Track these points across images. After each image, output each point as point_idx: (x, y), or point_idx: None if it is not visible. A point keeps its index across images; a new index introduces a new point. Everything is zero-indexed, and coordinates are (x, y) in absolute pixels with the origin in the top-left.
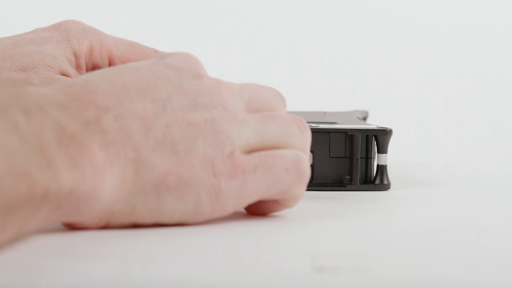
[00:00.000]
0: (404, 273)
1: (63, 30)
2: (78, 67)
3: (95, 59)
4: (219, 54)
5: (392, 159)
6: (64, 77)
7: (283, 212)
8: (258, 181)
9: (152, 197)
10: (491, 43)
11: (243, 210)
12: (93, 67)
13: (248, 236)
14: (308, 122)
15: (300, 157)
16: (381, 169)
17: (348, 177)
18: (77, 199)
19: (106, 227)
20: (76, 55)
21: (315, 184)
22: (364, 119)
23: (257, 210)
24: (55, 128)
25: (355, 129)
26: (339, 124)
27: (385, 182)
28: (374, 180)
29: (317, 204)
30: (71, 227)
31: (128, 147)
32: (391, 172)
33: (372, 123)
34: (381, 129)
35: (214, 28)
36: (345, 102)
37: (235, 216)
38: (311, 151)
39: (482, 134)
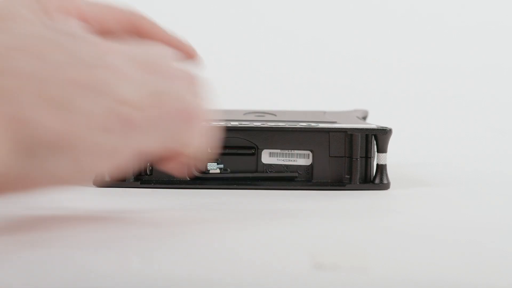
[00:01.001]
0: (403, 273)
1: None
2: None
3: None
4: (218, 53)
5: (392, 158)
6: None
7: (283, 212)
8: (150, 135)
9: (40, 158)
10: (491, 43)
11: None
12: None
13: (248, 235)
14: (308, 122)
15: (188, 102)
16: (381, 168)
17: (348, 176)
18: None
19: (2, 190)
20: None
21: (315, 183)
22: (364, 118)
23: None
24: None
25: (355, 129)
26: (338, 123)
27: (385, 182)
28: (373, 180)
29: (317, 203)
30: None
31: (5, 105)
32: (390, 172)
33: (372, 123)
34: (380, 129)
35: (213, 26)
36: (344, 102)
37: (235, 216)
38: (311, 150)
39: (482, 134)
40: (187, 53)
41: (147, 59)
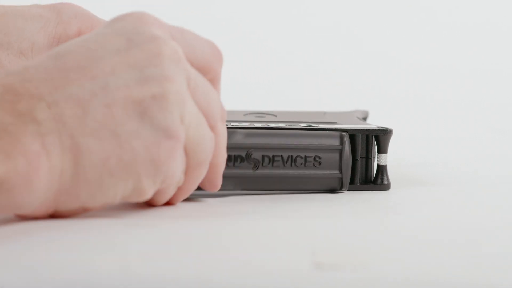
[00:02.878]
0: (403, 273)
1: (56, 12)
2: None
3: None
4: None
5: (392, 159)
6: None
7: (283, 212)
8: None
9: (94, 184)
10: (491, 43)
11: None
12: None
13: (248, 234)
14: (308, 122)
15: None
16: (381, 169)
17: None
18: (9, 190)
19: (54, 215)
20: (59, 40)
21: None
22: (364, 119)
23: None
24: None
25: (355, 129)
26: (339, 124)
27: (385, 182)
28: (374, 180)
29: (317, 203)
30: (22, 217)
31: (64, 135)
32: (391, 172)
33: (372, 123)
34: (381, 129)
35: (212, 27)
36: (345, 102)
37: (235, 216)
38: None
39: (482, 134)
40: None
41: (205, 104)
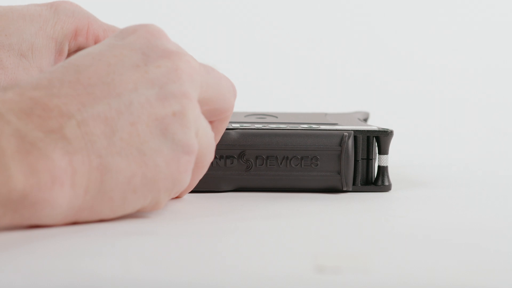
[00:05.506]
0: (405, 275)
1: (54, 10)
2: (59, 52)
3: (81, 43)
4: (219, 54)
5: (393, 160)
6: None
7: (283, 213)
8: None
9: (118, 201)
10: (492, 43)
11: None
12: (78, 49)
13: (249, 236)
14: (309, 124)
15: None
16: (382, 170)
17: None
18: (32, 205)
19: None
20: (57, 40)
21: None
22: (365, 120)
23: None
24: (15, 135)
25: (356, 131)
26: (340, 125)
27: (386, 183)
28: (375, 181)
29: (318, 204)
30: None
31: (93, 154)
32: (392, 173)
33: (373, 125)
34: (382, 130)
35: (214, 28)
36: (346, 104)
37: (236, 217)
38: None
39: (484, 135)
40: None
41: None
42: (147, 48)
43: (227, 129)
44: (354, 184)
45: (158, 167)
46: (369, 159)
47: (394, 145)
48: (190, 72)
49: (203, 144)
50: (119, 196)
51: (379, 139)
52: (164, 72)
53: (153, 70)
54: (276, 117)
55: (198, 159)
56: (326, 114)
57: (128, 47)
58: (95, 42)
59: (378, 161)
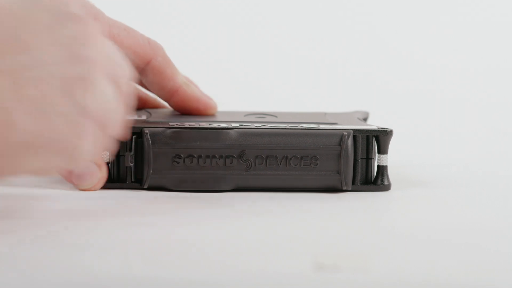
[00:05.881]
0: (404, 274)
1: (63, 4)
2: None
3: None
4: (219, 54)
5: (393, 160)
6: None
7: (283, 213)
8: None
9: (11, 158)
10: (492, 44)
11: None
12: None
13: (249, 235)
14: (309, 123)
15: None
16: (382, 169)
17: None
18: None
19: None
20: None
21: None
22: (365, 120)
23: None
24: None
25: (356, 130)
26: (339, 125)
27: (386, 183)
28: (374, 181)
29: (317, 204)
30: None
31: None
32: (391, 173)
33: (373, 124)
34: (381, 130)
35: (214, 26)
36: (345, 103)
37: (235, 217)
38: None
39: (483, 135)
40: (203, 108)
41: (118, 78)
42: (58, 10)
43: (227, 128)
44: (353, 183)
45: (57, 129)
46: (368, 159)
47: (394, 145)
48: (99, 36)
49: (105, 110)
50: (16, 153)
51: (379, 138)
52: (73, 35)
53: (63, 32)
54: (276, 116)
55: (100, 125)
56: (325, 114)
57: (39, 5)
58: None
59: (377, 160)
